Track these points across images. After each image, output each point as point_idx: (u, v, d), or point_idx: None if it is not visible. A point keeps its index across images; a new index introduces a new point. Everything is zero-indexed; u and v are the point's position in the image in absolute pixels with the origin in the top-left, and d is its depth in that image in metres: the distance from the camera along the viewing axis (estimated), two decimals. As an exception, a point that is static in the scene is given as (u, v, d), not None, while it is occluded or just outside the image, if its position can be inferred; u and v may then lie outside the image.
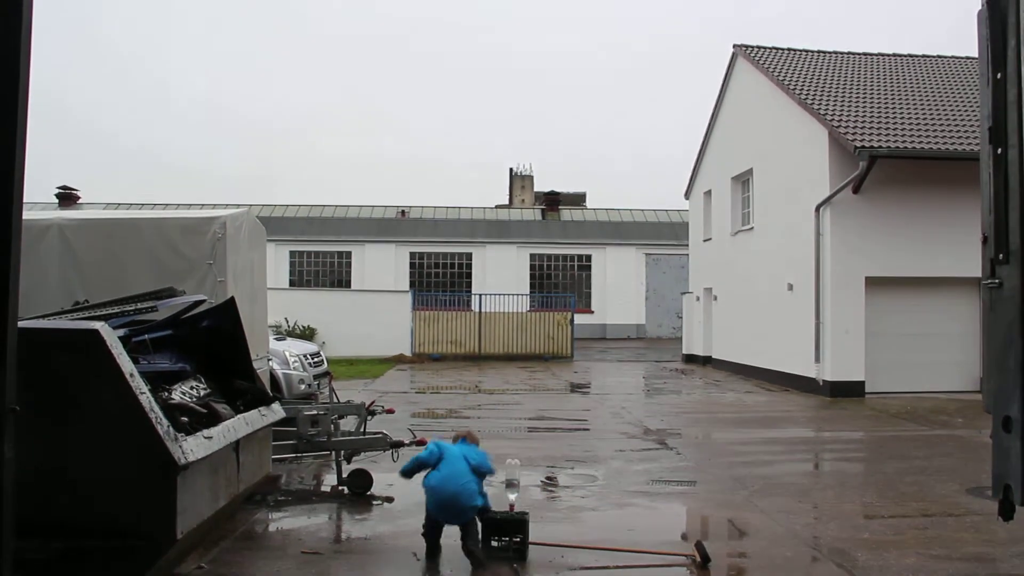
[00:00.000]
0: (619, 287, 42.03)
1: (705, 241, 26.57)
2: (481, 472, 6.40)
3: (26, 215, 2.44)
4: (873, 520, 7.75)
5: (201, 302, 6.66)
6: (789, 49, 23.75)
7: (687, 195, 28.86)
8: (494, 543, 6.23)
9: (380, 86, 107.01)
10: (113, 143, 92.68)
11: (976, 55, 3.36)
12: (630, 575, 6.02)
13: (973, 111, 18.76)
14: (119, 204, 41.74)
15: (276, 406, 6.36)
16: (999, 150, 2.97)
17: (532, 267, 42.52)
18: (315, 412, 8.51)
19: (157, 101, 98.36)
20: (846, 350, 17.19)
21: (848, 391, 16.98)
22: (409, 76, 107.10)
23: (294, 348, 14.32)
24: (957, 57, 23.94)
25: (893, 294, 17.54)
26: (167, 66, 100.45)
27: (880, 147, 16.53)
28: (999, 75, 2.99)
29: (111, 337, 4.43)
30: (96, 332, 4.37)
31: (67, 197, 43.96)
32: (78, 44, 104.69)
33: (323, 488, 8.99)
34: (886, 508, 8.15)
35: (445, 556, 6.39)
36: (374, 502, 8.18)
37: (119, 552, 4.35)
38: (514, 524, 6.26)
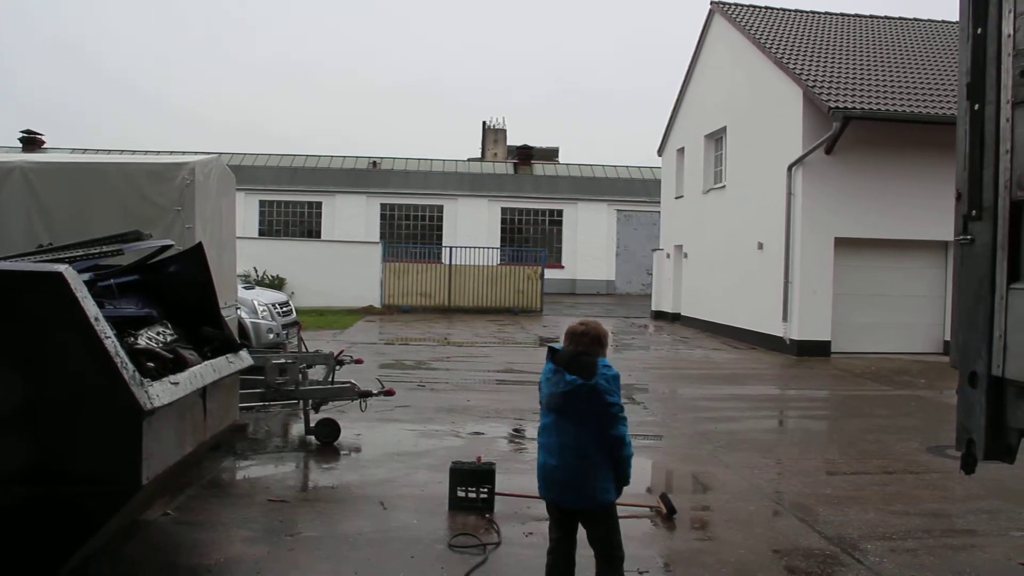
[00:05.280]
0: (590, 243, 42.00)
1: (677, 199, 26.59)
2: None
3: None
4: (835, 476, 7.89)
5: (168, 247, 6.54)
6: (767, 8, 23.64)
7: (660, 152, 28.80)
8: (460, 493, 6.27)
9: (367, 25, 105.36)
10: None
11: (956, 15, 3.34)
12: (596, 526, 6.07)
13: (948, 75, 18.82)
14: (85, 148, 40.94)
15: (244, 353, 6.27)
16: (976, 106, 2.97)
17: (503, 221, 42.37)
18: (283, 361, 8.46)
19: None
20: (813, 310, 17.37)
21: (814, 350, 17.19)
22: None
23: (263, 297, 14.22)
24: (934, 20, 23.96)
25: (862, 255, 17.71)
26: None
27: (854, 108, 16.55)
28: (979, 30, 2.98)
29: (75, 280, 4.33)
30: (60, 275, 4.27)
31: (31, 141, 43.04)
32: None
33: (291, 437, 8.99)
34: (848, 465, 8.30)
35: (414, 504, 6.42)
36: (341, 451, 8.20)
37: (84, 498, 4.30)
38: (481, 475, 6.29)
